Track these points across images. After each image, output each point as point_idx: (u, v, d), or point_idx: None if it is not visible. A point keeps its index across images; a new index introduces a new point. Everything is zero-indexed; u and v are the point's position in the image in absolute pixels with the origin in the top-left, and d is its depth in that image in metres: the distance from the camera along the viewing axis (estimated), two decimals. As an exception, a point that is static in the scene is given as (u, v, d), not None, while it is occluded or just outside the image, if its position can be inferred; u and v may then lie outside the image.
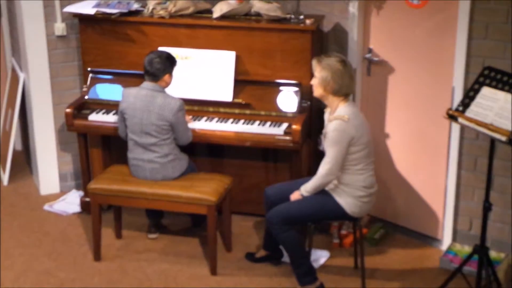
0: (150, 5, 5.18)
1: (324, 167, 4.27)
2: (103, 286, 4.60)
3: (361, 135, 4.25)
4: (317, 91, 4.34)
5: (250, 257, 4.87)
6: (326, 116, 4.47)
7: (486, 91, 3.94)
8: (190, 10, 5.21)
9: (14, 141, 5.95)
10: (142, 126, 4.65)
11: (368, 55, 5.08)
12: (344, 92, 4.29)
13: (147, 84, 4.68)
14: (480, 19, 4.46)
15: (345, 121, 4.20)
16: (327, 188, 4.37)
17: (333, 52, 5.04)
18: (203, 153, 5.33)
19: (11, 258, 4.89)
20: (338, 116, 4.22)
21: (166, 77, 4.68)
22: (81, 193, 5.61)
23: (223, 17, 5.13)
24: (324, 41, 5.34)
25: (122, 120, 4.78)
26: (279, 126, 4.88)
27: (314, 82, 4.34)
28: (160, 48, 5.00)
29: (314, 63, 4.34)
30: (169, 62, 4.68)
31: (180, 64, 4.89)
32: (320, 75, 4.28)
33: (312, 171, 4.83)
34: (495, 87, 3.92)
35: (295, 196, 4.43)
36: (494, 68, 3.99)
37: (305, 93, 4.94)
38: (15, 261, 4.86)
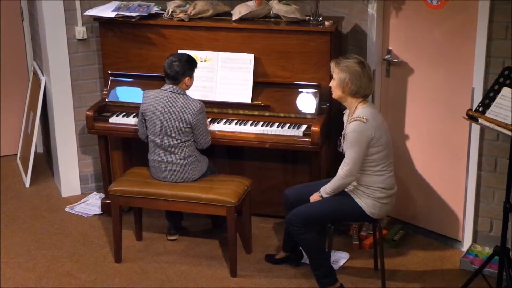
0: (170, 8, 5.21)
1: (343, 169, 4.27)
2: (124, 287, 4.63)
3: (380, 136, 4.24)
4: (336, 93, 4.34)
5: (270, 258, 4.88)
6: (345, 117, 4.47)
7: (506, 91, 3.92)
8: (209, 13, 5.23)
9: (35, 144, 6.00)
10: (163, 128, 4.67)
11: (387, 57, 5.07)
12: (363, 93, 4.29)
13: (167, 87, 4.70)
14: (500, 20, 4.44)
15: (364, 122, 4.20)
16: (346, 189, 4.37)
17: (352, 53, 5.05)
18: (223, 155, 5.35)
19: (33, 259, 4.94)
20: (357, 117, 4.22)
21: (186, 79, 4.70)
22: (102, 195, 5.66)
23: (242, 19, 5.15)
24: (343, 42, 5.35)
25: (143, 122, 4.80)
26: (298, 127, 4.88)
27: (333, 84, 4.34)
28: (180, 51, 5.02)
29: (333, 65, 4.34)
30: (189, 65, 4.70)
31: (199, 66, 4.91)
32: (338, 77, 4.28)
33: (331, 173, 4.83)
34: (516, 87, 3.91)
35: (314, 198, 4.43)
36: (514, 69, 3.98)
37: (324, 94, 4.94)
38: (37, 262, 4.90)
